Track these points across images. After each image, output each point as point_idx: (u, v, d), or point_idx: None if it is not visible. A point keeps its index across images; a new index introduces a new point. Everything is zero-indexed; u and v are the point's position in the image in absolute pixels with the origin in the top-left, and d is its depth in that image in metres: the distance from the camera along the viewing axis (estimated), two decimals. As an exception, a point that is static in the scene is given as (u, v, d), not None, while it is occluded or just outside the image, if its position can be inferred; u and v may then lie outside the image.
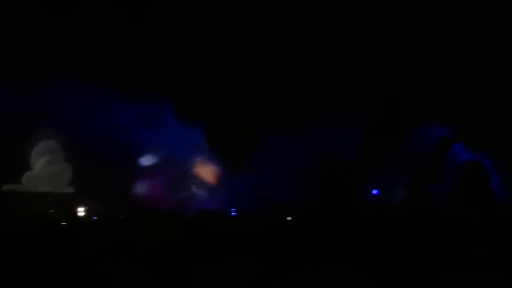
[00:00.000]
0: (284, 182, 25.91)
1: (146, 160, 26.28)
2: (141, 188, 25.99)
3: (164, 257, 14.58)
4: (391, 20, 25.52)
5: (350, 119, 25.19)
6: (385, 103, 26.22)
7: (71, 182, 26.09)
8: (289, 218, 18.90)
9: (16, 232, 17.57)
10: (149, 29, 26.03)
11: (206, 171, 26.86)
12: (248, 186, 25.66)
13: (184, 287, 12.41)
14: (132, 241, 16.33)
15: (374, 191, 25.73)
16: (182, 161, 26.43)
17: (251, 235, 16.97)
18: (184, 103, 26.27)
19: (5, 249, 14.91)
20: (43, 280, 12.65)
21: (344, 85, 25.55)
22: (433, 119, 26.32)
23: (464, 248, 14.32)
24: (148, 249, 15.33)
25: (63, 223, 19.98)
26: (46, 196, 25.05)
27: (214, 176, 26.81)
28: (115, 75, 25.32)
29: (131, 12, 25.65)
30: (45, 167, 25.82)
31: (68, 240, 16.64)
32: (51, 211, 23.07)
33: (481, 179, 24.56)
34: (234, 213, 23.96)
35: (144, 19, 26.04)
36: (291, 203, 22.70)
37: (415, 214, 19.49)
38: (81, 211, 24.55)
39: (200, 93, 26.34)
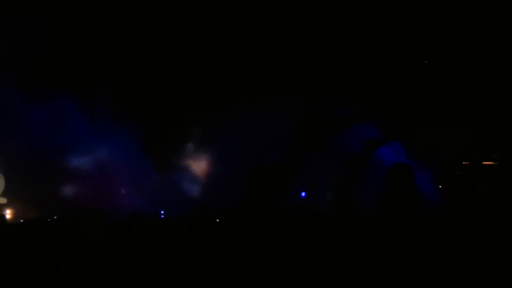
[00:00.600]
0: (211, 183, 25.98)
1: (74, 161, 25.88)
2: (69, 189, 25.59)
3: (91, 259, 14.55)
4: (316, 17, 25.71)
5: (275, 119, 25.26)
6: (312, 103, 26.14)
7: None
8: (217, 220, 19.03)
9: None
10: (76, 27, 25.70)
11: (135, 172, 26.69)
12: (174, 188, 25.70)
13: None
14: (59, 244, 16.18)
15: (303, 194, 25.86)
16: (110, 161, 26.17)
17: (179, 237, 17.10)
18: (112, 104, 26.04)
19: None
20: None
21: (269, 85, 25.58)
22: (361, 120, 26.59)
23: (386, 251, 14.89)
24: (75, 252, 15.24)
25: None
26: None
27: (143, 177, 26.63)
28: (37, 74, 24.84)
29: (58, 11, 25.30)
30: None
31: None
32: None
33: (407, 181, 24.98)
34: (162, 215, 23.95)
35: (72, 17, 25.66)
36: (218, 205, 22.79)
37: (340, 217, 19.94)
38: (6, 214, 24.01)
39: (126, 94, 26.15)
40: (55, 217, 22.32)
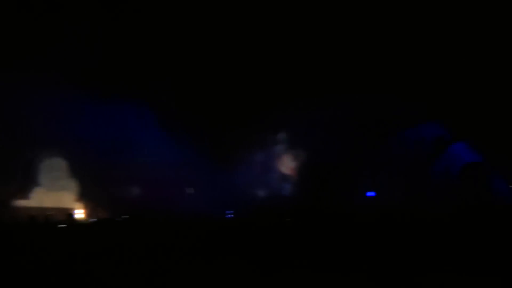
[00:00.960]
0: (278, 183, 25.78)
1: (142, 163, 26.19)
2: (137, 190, 25.92)
3: (158, 258, 14.63)
4: (384, 17, 25.26)
5: (343, 118, 24.90)
6: (382, 101, 25.61)
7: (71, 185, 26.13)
8: (288, 219, 18.82)
9: (19, 232, 17.78)
10: (144, 32, 26.02)
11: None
12: (240, 187, 25.61)
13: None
14: (130, 243, 16.40)
15: (370, 193, 25.34)
16: (177, 163, 26.33)
17: (248, 236, 16.97)
18: (180, 106, 26.23)
19: (7, 249, 15.06)
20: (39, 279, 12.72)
21: (336, 85, 25.21)
22: (428, 118, 25.96)
23: (463, 250, 14.32)
24: (144, 251, 15.39)
25: (62, 226, 20.09)
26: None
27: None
28: (109, 80, 25.33)
29: (126, 15, 25.70)
30: (52, 183, 25.78)
31: (67, 241, 16.76)
32: (50, 213, 23.17)
33: (482, 181, 24.28)
34: (230, 215, 23.90)
35: (138, 21, 26.00)
36: (286, 204, 22.55)
37: (412, 217, 19.38)
38: (79, 213, 24.57)
39: (194, 95, 26.29)
40: (123, 217, 22.78)
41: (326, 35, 25.74)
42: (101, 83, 25.48)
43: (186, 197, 26.06)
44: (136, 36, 26.10)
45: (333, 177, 24.48)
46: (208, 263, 13.87)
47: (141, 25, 26.04)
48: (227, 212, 24.01)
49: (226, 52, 26.15)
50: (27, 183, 25.33)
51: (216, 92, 26.63)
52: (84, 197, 25.59)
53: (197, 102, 26.32)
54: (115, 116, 25.90)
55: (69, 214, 23.81)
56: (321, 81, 25.64)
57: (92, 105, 25.57)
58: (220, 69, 26.26)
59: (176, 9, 25.93)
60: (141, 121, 26.14)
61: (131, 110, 25.97)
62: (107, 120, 25.94)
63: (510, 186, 24.75)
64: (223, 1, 26.00)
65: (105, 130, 25.85)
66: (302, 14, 25.65)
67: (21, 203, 24.64)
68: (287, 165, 26.26)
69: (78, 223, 23.12)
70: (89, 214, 25.11)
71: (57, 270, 13.28)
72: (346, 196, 24.10)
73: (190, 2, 26.04)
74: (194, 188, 26.47)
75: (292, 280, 12.35)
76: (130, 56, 25.94)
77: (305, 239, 16.23)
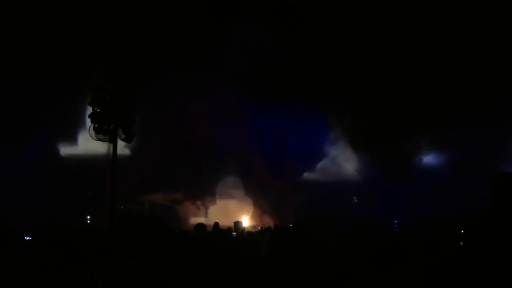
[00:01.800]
0: (445, 191, 24.43)
1: (307, 172, 26.28)
2: (301, 198, 26.01)
3: (322, 267, 14.32)
4: None
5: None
6: None
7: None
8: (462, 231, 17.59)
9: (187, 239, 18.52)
10: (320, 42, 26.20)
11: None
12: (410, 196, 24.60)
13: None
14: (293, 251, 16.31)
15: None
16: (343, 170, 26.05)
17: (413, 249, 16.08)
18: (350, 113, 26.03)
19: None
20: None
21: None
22: None
23: None
24: (309, 259, 15.18)
25: (233, 233, 20.65)
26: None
27: None
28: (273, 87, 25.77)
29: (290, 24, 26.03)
30: (221, 192, 26.79)
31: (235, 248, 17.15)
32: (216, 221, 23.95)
33: None
34: (395, 225, 23.12)
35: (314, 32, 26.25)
36: (459, 215, 21.13)
37: None
38: (245, 221, 25.16)
39: (368, 100, 25.93)
40: (290, 225, 22.86)
41: None
42: (273, 93, 26.07)
43: (353, 205, 25.72)
44: (314, 45, 26.41)
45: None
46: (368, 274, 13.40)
47: (316, 37, 26.31)
48: (394, 221, 23.28)
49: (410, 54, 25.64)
50: (197, 191, 26.55)
51: (394, 98, 26.15)
52: (251, 205, 26.20)
53: (373, 108, 25.96)
54: (286, 125, 26.32)
55: (236, 222, 24.44)
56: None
57: (263, 115, 26.21)
58: (406, 72, 25.79)
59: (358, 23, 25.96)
60: (314, 130, 26.31)
61: (303, 119, 26.21)
62: (276, 129, 26.45)
63: None
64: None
65: (273, 139, 26.35)
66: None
67: (190, 211, 25.86)
68: (458, 174, 24.88)
69: (246, 231, 23.62)
70: (255, 222, 25.62)
71: (225, 276, 13.53)
72: None
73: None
74: (365, 196, 26.04)
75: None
76: (304, 65, 26.29)
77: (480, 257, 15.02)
